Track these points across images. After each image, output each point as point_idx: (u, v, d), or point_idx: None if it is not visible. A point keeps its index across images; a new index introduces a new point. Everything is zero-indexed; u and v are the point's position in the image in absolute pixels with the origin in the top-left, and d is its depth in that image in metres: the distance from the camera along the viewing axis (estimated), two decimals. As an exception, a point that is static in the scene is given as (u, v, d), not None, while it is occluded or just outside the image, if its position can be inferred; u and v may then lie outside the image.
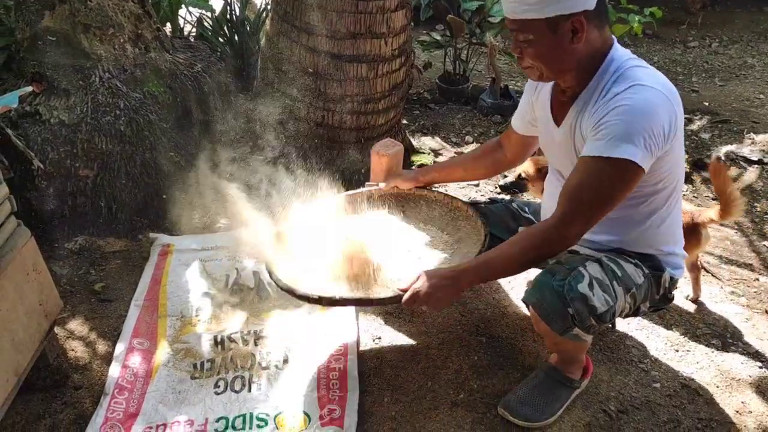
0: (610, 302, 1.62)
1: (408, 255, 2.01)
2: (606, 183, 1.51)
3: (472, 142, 3.60)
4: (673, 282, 1.81)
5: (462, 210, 2.11)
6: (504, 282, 2.41)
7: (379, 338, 2.16)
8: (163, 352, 2.04)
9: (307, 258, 1.97)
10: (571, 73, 1.60)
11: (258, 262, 2.38)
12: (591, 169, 1.52)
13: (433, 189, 2.23)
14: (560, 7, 1.46)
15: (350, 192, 2.25)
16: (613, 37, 1.61)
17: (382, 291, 1.83)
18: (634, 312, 1.78)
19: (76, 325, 2.18)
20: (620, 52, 1.59)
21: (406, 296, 1.63)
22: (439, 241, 2.08)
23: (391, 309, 2.27)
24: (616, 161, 1.47)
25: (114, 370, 1.95)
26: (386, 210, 2.21)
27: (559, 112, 1.71)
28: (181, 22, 4.10)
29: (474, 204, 2.15)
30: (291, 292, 1.75)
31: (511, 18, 1.54)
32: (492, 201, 2.17)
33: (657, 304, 1.83)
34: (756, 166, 3.31)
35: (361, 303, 1.84)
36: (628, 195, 1.56)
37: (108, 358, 2.03)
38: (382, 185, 2.22)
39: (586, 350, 1.86)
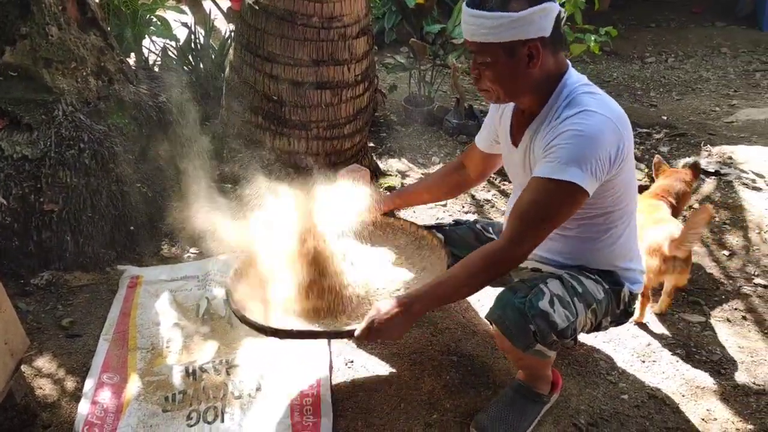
0: (570, 318, 1.67)
1: (370, 284, 1.98)
2: (552, 204, 1.57)
3: (439, 163, 3.65)
4: (633, 297, 1.87)
5: (427, 239, 2.11)
6: (473, 300, 2.44)
7: (352, 362, 2.16)
8: (133, 385, 2.02)
9: (269, 287, 1.94)
10: (527, 96, 1.66)
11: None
12: (539, 189, 1.57)
13: (398, 216, 2.24)
14: (517, 33, 1.51)
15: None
16: (568, 62, 1.67)
17: (336, 324, 1.81)
18: (596, 327, 1.83)
19: (44, 362, 2.15)
20: (574, 78, 1.65)
21: (358, 329, 1.61)
22: (404, 271, 2.07)
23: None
24: (562, 183, 1.53)
25: (83, 407, 1.93)
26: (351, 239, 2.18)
27: (517, 132, 1.77)
28: (145, 52, 4.10)
29: (439, 227, 2.17)
30: (245, 320, 1.73)
31: (470, 40, 1.59)
32: (457, 223, 2.20)
33: (618, 318, 1.88)
34: (713, 177, 3.41)
35: (315, 336, 1.81)
36: (571, 215, 1.62)
37: (77, 395, 2.00)
38: None
39: (551, 365, 1.90)
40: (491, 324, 1.74)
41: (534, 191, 1.58)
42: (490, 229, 2.12)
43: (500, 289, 1.76)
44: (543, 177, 1.56)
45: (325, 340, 2.19)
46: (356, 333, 1.62)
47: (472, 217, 3.10)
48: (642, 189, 3.26)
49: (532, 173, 1.61)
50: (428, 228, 2.16)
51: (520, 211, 1.60)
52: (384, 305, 1.63)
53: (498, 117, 1.88)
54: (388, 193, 2.26)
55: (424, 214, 3.06)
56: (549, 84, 1.63)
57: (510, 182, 3.39)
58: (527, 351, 1.68)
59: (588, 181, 1.53)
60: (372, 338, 1.64)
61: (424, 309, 1.67)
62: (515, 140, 1.77)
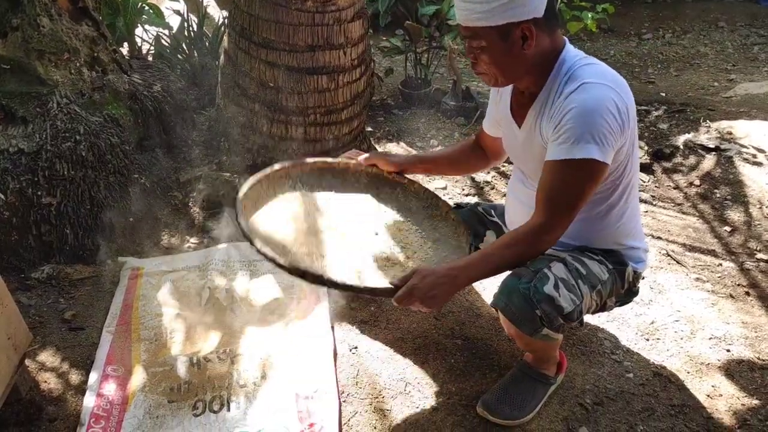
0: (576, 301, 1.66)
1: (378, 242, 1.91)
2: (576, 184, 1.57)
3: (437, 146, 3.63)
4: (637, 276, 1.86)
5: (442, 210, 2.03)
6: (476, 283, 2.43)
7: (356, 347, 2.16)
8: (138, 377, 2.02)
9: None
10: (525, 77, 1.65)
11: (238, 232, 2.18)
12: (559, 172, 1.57)
13: (413, 179, 2.12)
14: (509, 15, 1.51)
15: (326, 160, 2.12)
16: (565, 38, 1.66)
17: (372, 280, 1.72)
18: (601, 308, 1.83)
19: (48, 356, 2.15)
20: (572, 53, 1.64)
21: (400, 293, 1.56)
22: (414, 236, 1.98)
23: (367, 317, 2.28)
24: (580, 162, 1.53)
25: (89, 400, 1.93)
26: (359, 188, 2.10)
27: (519, 113, 1.75)
28: (138, 41, 4.06)
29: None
30: (274, 261, 1.61)
31: (464, 25, 1.58)
32: (458, 206, 2.18)
33: (623, 298, 1.88)
34: (713, 153, 3.39)
35: (348, 289, 1.65)
36: (596, 190, 1.62)
37: (82, 388, 2.00)
38: (362, 158, 2.10)
39: (559, 347, 1.90)
40: (497, 311, 1.74)
41: (553, 176, 1.58)
42: (492, 212, 2.11)
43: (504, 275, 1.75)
44: (559, 159, 1.55)
45: (329, 322, 2.20)
46: (396, 295, 1.56)
47: (472, 200, 3.09)
48: (644, 167, 3.26)
49: (546, 156, 1.60)
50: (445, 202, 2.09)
51: (546, 198, 1.59)
52: (426, 272, 1.58)
53: (498, 99, 1.88)
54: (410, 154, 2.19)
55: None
56: (547, 63, 1.62)
57: (510, 164, 3.39)
58: (534, 336, 1.68)
59: (603, 152, 1.52)
60: (410, 303, 1.57)
61: (468, 281, 1.67)
62: (518, 121, 1.76)
